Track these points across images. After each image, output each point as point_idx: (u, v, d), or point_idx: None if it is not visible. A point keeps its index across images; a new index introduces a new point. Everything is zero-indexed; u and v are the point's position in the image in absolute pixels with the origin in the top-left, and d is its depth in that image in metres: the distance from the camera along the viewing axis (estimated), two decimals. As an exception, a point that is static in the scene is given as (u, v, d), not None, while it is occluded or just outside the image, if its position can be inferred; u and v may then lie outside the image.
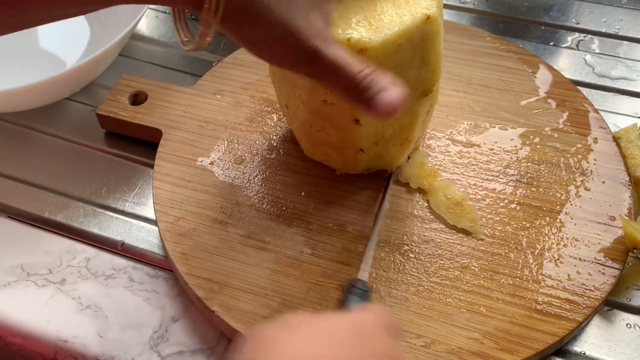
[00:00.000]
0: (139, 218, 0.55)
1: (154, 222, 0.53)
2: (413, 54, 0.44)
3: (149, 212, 0.55)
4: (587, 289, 0.46)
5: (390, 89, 0.38)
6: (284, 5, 0.37)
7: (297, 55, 0.39)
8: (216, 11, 0.36)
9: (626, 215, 0.51)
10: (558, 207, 0.51)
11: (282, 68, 0.44)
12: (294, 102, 0.49)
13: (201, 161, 0.56)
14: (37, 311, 0.49)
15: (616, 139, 0.56)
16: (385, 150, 0.50)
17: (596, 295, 0.46)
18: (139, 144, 0.60)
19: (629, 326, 0.47)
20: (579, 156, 0.55)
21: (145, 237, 0.53)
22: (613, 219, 0.50)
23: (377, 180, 0.54)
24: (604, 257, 0.48)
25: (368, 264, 0.47)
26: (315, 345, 0.32)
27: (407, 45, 0.43)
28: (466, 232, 0.50)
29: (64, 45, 0.69)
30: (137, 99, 0.61)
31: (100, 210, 0.55)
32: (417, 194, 0.53)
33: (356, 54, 0.40)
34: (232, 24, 0.38)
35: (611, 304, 0.48)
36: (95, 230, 0.54)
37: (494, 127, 0.57)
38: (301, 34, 0.38)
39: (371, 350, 0.33)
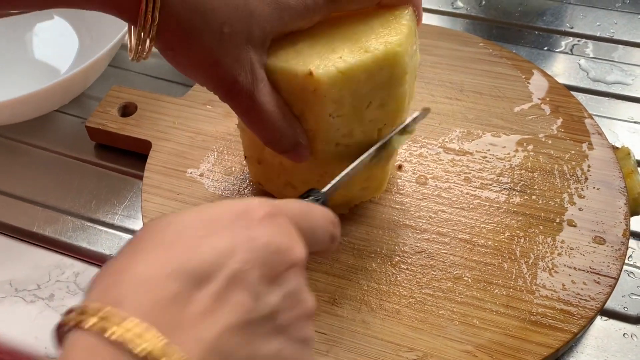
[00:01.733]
0: (128, 231, 0.54)
1: (143, 236, 0.52)
2: (372, 92, 0.41)
3: (138, 225, 0.54)
4: (582, 299, 0.46)
5: (301, 148, 0.42)
6: (216, 36, 0.37)
7: (220, 87, 0.39)
8: (150, 31, 0.36)
9: (625, 223, 0.50)
10: (552, 215, 0.51)
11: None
12: (268, 158, 0.48)
13: (191, 173, 0.55)
14: (25, 327, 0.49)
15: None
16: (359, 194, 0.49)
17: (591, 305, 0.45)
18: (129, 156, 0.59)
19: (625, 336, 0.47)
20: (574, 163, 0.54)
21: (135, 251, 0.52)
22: (608, 226, 0.50)
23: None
24: (599, 265, 0.47)
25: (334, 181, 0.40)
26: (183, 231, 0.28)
27: (365, 81, 0.40)
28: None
29: (52, 56, 0.69)
30: (127, 110, 0.60)
31: (90, 224, 0.55)
32: (408, 202, 0.52)
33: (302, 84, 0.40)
34: (164, 45, 0.38)
35: (607, 313, 0.48)
36: (84, 244, 0.53)
37: (487, 134, 0.57)
38: (223, 68, 0.38)
39: (247, 237, 0.28)
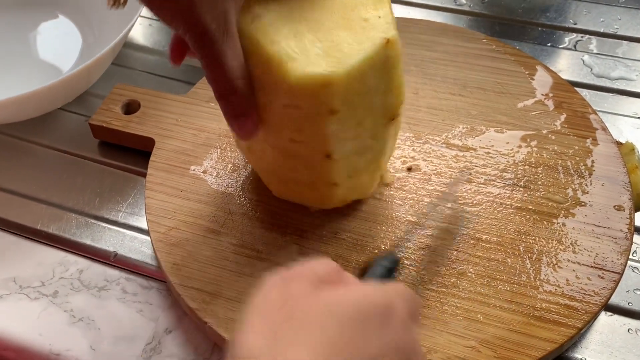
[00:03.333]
0: (132, 228, 0.54)
1: (147, 233, 0.52)
2: (377, 81, 0.42)
3: (142, 222, 0.54)
4: (586, 294, 0.46)
5: (247, 120, 0.42)
6: None
7: (189, 32, 0.39)
8: None
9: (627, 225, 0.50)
10: (556, 210, 0.50)
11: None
12: (259, 146, 0.47)
13: (194, 170, 0.55)
14: (29, 324, 0.49)
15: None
16: (359, 181, 0.48)
17: (596, 301, 0.45)
18: (132, 153, 0.60)
19: (630, 331, 0.46)
20: (577, 158, 0.54)
21: (139, 248, 0.53)
22: (612, 221, 0.49)
23: (372, 186, 0.53)
24: (603, 260, 0.47)
25: (406, 244, 0.44)
26: (326, 330, 0.28)
27: (371, 73, 0.41)
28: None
29: (56, 55, 0.69)
30: (130, 108, 0.61)
31: (93, 221, 0.55)
32: (411, 198, 0.52)
33: (319, 89, 0.40)
34: None
35: (612, 308, 0.48)
36: (88, 241, 0.53)
37: (490, 130, 0.57)
38: (198, 13, 0.37)
39: (395, 342, 0.29)
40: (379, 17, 0.41)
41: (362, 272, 0.41)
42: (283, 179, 0.49)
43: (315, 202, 0.50)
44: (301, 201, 0.51)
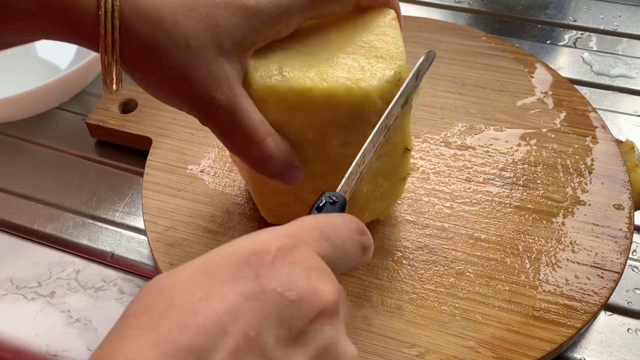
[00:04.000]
0: (129, 228, 0.54)
1: (144, 232, 0.52)
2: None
3: (139, 222, 0.54)
4: (585, 294, 0.45)
5: (294, 170, 0.39)
6: (183, 51, 0.35)
7: (195, 106, 0.37)
8: (113, 53, 0.35)
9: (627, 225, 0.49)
10: (555, 209, 0.50)
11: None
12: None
13: (191, 169, 0.55)
14: (26, 325, 0.48)
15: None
16: (372, 206, 0.47)
17: (595, 300, 0.45)
18: (130, 152, 0.59)
19: (630, 331, 0.46)
20: (577, 157, 0.54)
21: (136, 248, 0.52)
22: (612, 220, 0.49)
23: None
24: (603, 260, 0.47)
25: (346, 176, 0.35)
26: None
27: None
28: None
29: (53, 53, 0.68)
30: (127, 106, 0.60)
31: (90, 221, 0.55)
32: (410, 197, 0.51)
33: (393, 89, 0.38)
34: (131, 66, 0.36)
35: (611, 308, 0.47)
36: (85, 241, 0.53)
37: (489, 128, 0.56)
38: (196, 85, 0.36)
39: (253, 288, 0.23)
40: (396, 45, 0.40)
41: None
42: (286, 201, 0.46)
43: None
44: None
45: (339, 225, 0.28)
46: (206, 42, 0.35)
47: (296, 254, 0.25)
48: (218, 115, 0.37)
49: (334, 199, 0.32)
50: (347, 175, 0.35)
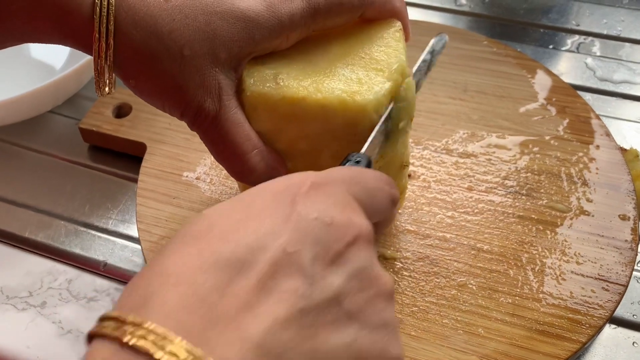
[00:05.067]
0: (122, 237, 0.53)
1: (138, 241, 0.51)
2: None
3: (133, 230, 0.53)
4: (590, 307, 0.44)
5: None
6: (177, 60, 0.35)
7: (185, 114, 0.37)
8: (106, 58, 0.34)
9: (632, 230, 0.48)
10: (559, 220, 0.49)
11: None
12: None
13: (187, 176, 0.53)
14: (16, 336, 0.47)
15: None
16: None
17: (600, 314, 0.44)
18: (124, 158, 0.58)
19: (635, 345, 0.45)
20: (581, 165, 0.53)
21: (129, 257, 0.51)
22: (616, 231, 0.48)
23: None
24: (608, 272, 0.46)
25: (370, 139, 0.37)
26: (226, 214, 0.25)
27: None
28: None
29: (46, 55, 0.67)
30: (122, 111, 0.59)
31: (83, 228, 0.53)
32: (410, 206, 0.50)
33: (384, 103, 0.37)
34: (125, 73, 0.36)
35: (616, 321, 0.46)
36: (77, 250, 0.52)
37: (491, 135, 0.55)
38: (187, 94, 0.35)
39: (290, 212, 0.25)
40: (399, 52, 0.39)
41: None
42: None
43: None
44: None
45: (369, 174, 0.29)
46: (201, 52, 0.35)
47: (329, 188, 0.26)
48: (205, 125, 0.37)
49: (359, 159, 0.33)
50: (370, 138, 0.36)
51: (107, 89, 0.36)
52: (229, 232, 0.24)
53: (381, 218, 0.30)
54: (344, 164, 0.33)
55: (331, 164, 0.39)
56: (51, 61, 0.66)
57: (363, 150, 0.35)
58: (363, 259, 0.25)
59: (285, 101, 0.37)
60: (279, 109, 0.37)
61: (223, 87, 0.36)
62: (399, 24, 0.41)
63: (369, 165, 0.33)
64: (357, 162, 0.33)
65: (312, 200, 0.25)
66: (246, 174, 0.38)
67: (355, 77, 0.37)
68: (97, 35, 0.34)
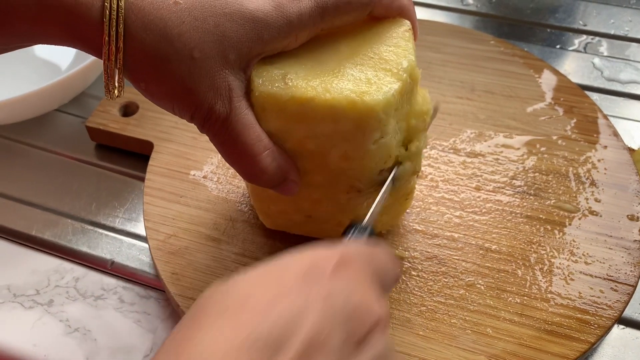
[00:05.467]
0: (129, 235, 0.53)
1: (145, 239, 0.51)
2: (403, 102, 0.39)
3: (140, 228, 0.53)
4: (599, 307, 0.44)
5: (289, 183, 0.39)
6: (187, 62, 0.34)
7: (195, 117, 0.37)
8: (116, 61, 0.34)
9: None
10: (567, 220, 0.49)
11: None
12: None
13: (194, 174, 0.53)
14: (23, 334, 0.47)
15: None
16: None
17: (609, 314, 0.44)
18: (131, 156, 0.58)
19: (643, 345, 0.45)
20: (589, 165, 0.52)
21: (136, 255, 0.51)
22: (625, 231, 0.48)
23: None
24: (617, 272, 0.46)
25: (372, 210, 0.38)
26: (256, 287, 0.27)
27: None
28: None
29: (53, 54, 0.67)
30: (128, 109, 0.59)
31: (90, 227, 0.53)
32: (418, 206, 0.50)
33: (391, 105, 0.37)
34: (134, 76, 0.35)
35: (625, 321, 0.46)
36: (84, 248, 0.52)
37: (499, 135, 0.55)
38: (198, 96, 0.35)
39: (320, 293, 0.26)
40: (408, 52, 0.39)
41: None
42: (285, 209, 0.45)
43: (316, 234, 0.48)
44: (303, 233, 0.48)
45: (382, 255, 0.31)
46: (211, 54, 0.35)
47: (352, 270, 0.28)
48: (215, 127, 0.37)
49: (363, 231, 0.35)
50: (373, 207, 0.38)
51: (116, 92, 0.36)
52: (263, 310, 0.25)
53: (387, 291, 0.32)
54: (347, 233, 0.35)
55: (340, 165, 0.39)
56: (57, 60, 0.66)
57: (365, 220, 0.37)
58: (382, 344, 0.27)
59: (294, 101, 0.37)
60: (287, 109, 0.37)
61: (233, 88, 0.36)
62: (408, 24, 0.40)
63: (372, 233, 0.36)
64: (361, 233, 0.35)
65: (339, 281, 0.27)
66: (258, 175, 0.38)
67: (364, 77, 0.37)
68: (106, 38, 0.33)
